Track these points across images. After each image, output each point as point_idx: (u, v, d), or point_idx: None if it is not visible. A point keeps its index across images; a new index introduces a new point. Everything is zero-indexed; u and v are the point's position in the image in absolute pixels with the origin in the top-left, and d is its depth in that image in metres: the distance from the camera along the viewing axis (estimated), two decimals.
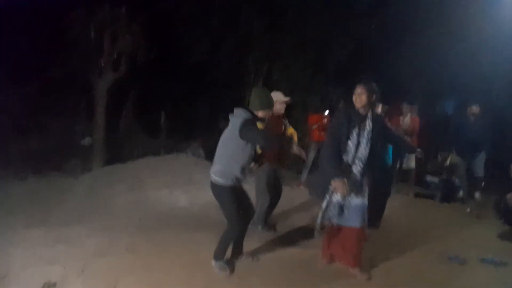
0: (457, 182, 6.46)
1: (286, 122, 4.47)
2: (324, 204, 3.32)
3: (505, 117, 7.18)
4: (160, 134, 8.38)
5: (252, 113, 3.29)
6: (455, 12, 7.67)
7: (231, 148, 3.26)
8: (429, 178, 6.70)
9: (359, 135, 3.26)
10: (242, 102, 9.12)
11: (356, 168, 3.30)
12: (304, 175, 6.99)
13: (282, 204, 5.71)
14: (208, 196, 5.77)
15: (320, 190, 3.37)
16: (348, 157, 3.29)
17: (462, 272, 3.71)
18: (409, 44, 9.01)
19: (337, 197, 3.27)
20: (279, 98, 4.22)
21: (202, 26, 8.97)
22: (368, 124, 3.29)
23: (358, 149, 3.27)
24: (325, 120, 7.16)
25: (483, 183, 6.60)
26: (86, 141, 8.05)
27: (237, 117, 3.26)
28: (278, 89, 4.34)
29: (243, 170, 3.31)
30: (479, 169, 6.54)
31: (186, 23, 8.96)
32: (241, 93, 9.29)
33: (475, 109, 6.50)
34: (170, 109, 8.61)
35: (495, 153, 6.81)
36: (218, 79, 9.73)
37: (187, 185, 6.07)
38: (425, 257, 4.01)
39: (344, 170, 3.24)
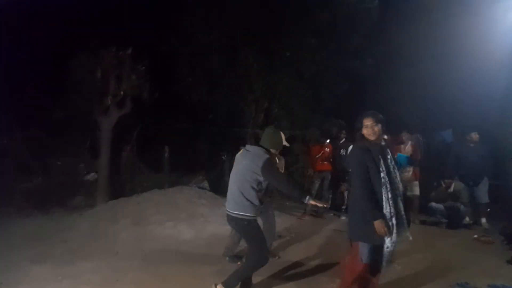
0: (462, 208, 6.45)
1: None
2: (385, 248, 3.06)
3: (503, 144, 7.24)
4: (163, 169, 8.45)
5: (268, 151, 3.48)
6: (446, 45, 7.98)
7: (248, 181, 3.38)
8: (434, 205, 6.68)
9: (387, 166, 3.11)
10: (242, 139, 9.38)
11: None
12: (309, 207, 6.98)
13: (287, 234, 5.72)
14: (213, 228, 5.82)
15: (361, 233, 3.09)
16: (386, 191, 3.04)
17: None
18: (404, 77, 9.32)
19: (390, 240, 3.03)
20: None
21: (202, 67, 9.33)
22: (388, 153, 3.19)
23: (392, 180, 3.09)
24: (327, 150, 7.26)
25: (488, 209, 6.59)
26: (91, 176, 8.11)
27: (257, 155, 3.41)
28: (278, 125, 4.55)
29: (260, 201, 3.43)
30: (483, 195, 6.55)
31: (187, 64, 9.33)
32: (241, 130, 9.51)
33: (474, 136, 6.63)
34: (173, 145, 8.75)
35: (498, 179, 6.84)
36: (219, 117, 9.98)
37: (191, 218, 6.07)
38: (436, 285, 3.97)
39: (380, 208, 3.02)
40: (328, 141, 7.34)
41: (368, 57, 9.01)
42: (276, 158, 4.49)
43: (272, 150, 3.57)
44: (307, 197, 3.31)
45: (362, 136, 3.20)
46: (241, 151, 3.58)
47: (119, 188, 7.73)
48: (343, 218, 6.95)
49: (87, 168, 8.29)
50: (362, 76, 9.14)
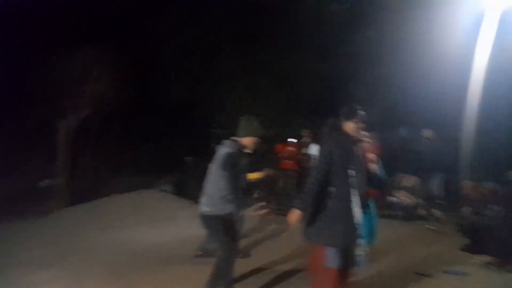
0: (417, 201, 6.79)
1: None
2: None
3: (457, 140, 7.68)
4: (125, 172, 8.26)
5: (238, 143, 3.36)
6: (405, 45, 8.34)
7: (214, 178, 3.33)
8: (391, 199, 6.97)
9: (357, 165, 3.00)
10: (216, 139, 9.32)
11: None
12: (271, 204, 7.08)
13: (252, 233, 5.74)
14: (179, 231, 5.75)
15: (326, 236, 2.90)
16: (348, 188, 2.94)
17: (430, 284, 3.87)
18: (366, 78, 9.69)
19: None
20: None
21: (182, 67, 9.24)
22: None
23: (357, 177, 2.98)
24: (292, 149, 7.40)
25: (441, 201, 6.98)
26: (45, 183, 7.76)
27: (222, 149, 3.36)
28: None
29: (229, 199, 3.27)
30: (437, 188, 6.95)
31: (167, 64, 9.20)
32: (220, 132, 9.47)
33: (428, 133, 7.02)
34: (141, 147, 8.58)
35: (451, 173, 7.25)
36: (196, 118, 9.88)
37: (156, 221, 5.98)
38: (395, 274, 4.16)
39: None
40: (294, 140, 7.47)
41: (333, 58, 9.27)
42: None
43: (246, 140, 3.37)
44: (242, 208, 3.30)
45: (341, 131, 3.07)
46: None
47: (80, 193, 7.46)
48: None
49: (45, 173, 7.93)
50: (328, 77, 9.40)
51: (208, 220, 3.36)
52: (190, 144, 9.73)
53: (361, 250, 3.08)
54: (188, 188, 8.01)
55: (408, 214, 6.62)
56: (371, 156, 3.73)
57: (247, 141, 3.39)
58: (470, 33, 6.89)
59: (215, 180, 3.32)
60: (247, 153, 3.43)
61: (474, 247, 4.94)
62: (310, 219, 2.96)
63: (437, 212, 6.86)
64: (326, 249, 2.87)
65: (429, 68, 8.08)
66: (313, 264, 3.07)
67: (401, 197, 6.65)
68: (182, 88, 9.35)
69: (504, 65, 7.03)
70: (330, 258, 2.85)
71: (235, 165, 3.26)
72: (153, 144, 10.12)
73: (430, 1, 7.39)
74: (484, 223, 5.02)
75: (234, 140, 3.38)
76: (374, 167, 3.70)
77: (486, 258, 4.43)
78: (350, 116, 3.09)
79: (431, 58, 7.75)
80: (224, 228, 3.34)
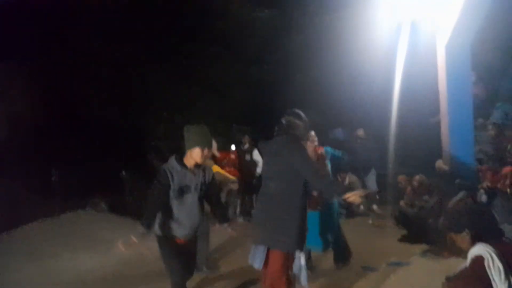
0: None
1: None
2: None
3: (385, 137, 8.17)
4: (53, 193, 7.55)
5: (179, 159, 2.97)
6: (333, 49, 8.74)
7: None
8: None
9: None
10: (142, 153, 8.92)
11: None
12: None
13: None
14: (119, 253, 5.32)
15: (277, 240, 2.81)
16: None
17: (376, 277, 4.01)
18: (297, 82, 9.98)
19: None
20: None
21: (95, 79, 8.70)
22: None
23: None
24: (233, 156, 7.32)
25: (377, 196, 7.38)
26: None
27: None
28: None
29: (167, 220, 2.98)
30: (372, 184, 7.33)
31: (78, 77, 8.61)
32: (141, 144, 9.07)
33: (360, 132, 7.39)
34: (63, 166, 7.88)
35: (383, 169, 7.69)
36: (115, 131, 9.35)
37: (93, 245, 5.50)
38: (345, 271, 4.25)
39: None
40: (233, 147, 7.42)
41: (264, 64, 9.41)
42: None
43: (194, 150, 2.93)
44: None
45: (294, 135, 3.00)
46: None
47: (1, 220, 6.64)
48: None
49: None
50: (261, 82, 9.51)
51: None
52: (124, 159, 9.22)
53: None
54: (126, 206, 7.58)
55: (351, 211, 6.88)
56: (320, 154, 3.81)
57: (196, 153, 2.92)
58: (392, 39, 7.39)
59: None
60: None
61: (411, 238, 5.27)
62: (261, 224, 2.90)
63: (376, 208, 7.23)
64: (277, 253, 2.81)
65: (357, 71, 8.55)
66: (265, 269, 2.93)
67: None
68: (109, 102, 8.87)
69: (419, 68, 7.65)
70: (280, 261, 2.80)
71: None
72: (84, 162, 9.41)
73: (355, 8, 7.80)
74: (418, 214, 5.35)
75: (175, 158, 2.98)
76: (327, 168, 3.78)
77: (423, 247, 4.72)
78: (298, 118, 3.07)
79: (358, 62, 8.20)
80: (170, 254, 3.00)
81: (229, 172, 7.24)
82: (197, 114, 9.19)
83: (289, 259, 2.86)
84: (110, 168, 9.09)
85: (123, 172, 8.28)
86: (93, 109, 8.83)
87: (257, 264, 2.87)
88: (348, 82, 9.15)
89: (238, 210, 7.43)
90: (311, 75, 9.78)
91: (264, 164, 3.13)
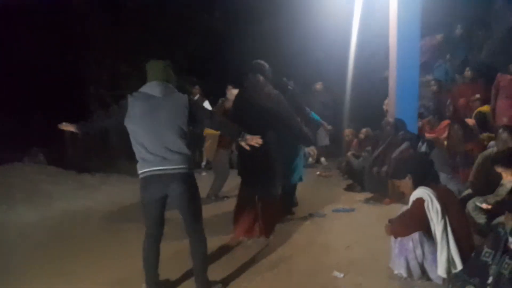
0: (306, 151, 7.29)
1: None
2: None
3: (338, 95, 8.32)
4: None
5: None
6: (293, 5, 8.51)
7: None
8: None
9: None
10: (85, 102, 8.29)
11: None
12: None
13: None
14: (61, 205, 5.08)
15: None
16: None
17: (323, 222, 4.22)
18: (252, 33, 9.67)
19: None
20: None
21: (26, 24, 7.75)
22: None
23: None
24: None
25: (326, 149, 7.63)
26: None
27: None
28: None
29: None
30: (323, 139, 7.51)
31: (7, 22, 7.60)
32: (83, 93, 8.43)
33: (318, 86, 7.42)
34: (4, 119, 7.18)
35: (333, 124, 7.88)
36: (53, 79, 8.57)
37: (32, 198, 5.19)
38: (292, 218, 4.40)
39: None
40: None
41: (217, 11, 8.94)
42: None
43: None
44: None
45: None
46: None
47: None
48: (203, 174, 7.04)
49: None
50: (213, 31, 9.08)
51: None
52: (65, 109, 8.57)
53: None
54: (66, 158, 7.18)
55: None
56: None
57: None
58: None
59: None
60: None
61: (356, 187, 5.57)
62: None
63: (323, 160, 7.50)
64: None
65: (314, 25, 8.44)
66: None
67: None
68: (48, 49, 8.03)
69: (373, 23, 7.73)
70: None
71: None
72: (21, 114, 8.64)
73: None
74: (361, 165, 5.60)
75: None
76: None
77: (366, 195, 5.01)
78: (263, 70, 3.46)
79: (317, 16, 8.06)
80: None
81: None
82: (143, 63, 8.63)
83: None
84: (49, 119, 8.43)
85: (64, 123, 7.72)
86: (30, 56, 7.96)
87: None
88: (304, 36, 9.05)
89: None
90: (264, 26, 9.51)
91: None
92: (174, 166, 2.46)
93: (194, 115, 2.57)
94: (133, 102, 2.50)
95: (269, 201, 3.59)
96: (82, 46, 8.37)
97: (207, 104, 6.99)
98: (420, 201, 2.55)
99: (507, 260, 2.00)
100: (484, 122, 5.18)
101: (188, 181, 2.52)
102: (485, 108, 5.36)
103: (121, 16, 8.49)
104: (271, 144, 3.37)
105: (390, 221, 2.78)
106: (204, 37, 9.15)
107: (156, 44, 8.69)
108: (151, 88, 2.56)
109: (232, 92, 7.18)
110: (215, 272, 2.93)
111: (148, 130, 2.45)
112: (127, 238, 3.90)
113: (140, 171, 2.50)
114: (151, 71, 2.66)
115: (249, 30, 9.79)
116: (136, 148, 2.51)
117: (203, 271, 2.63)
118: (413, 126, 5.21)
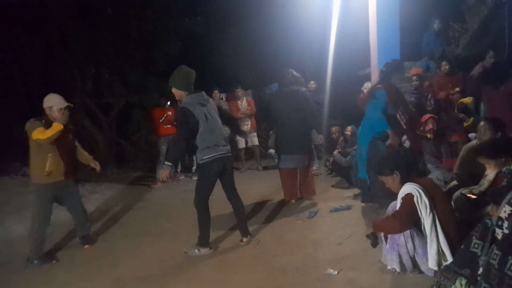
0: None
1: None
2: None
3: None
4: None
5: None
6: (268, 4, 8.55)
7: None
8: (272, 152, 7.37)
9: None
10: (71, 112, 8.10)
11: None
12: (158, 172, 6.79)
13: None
14: (52, 216, 5.01)
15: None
16: None
17: (315, 221, 4.29)
18: (233, 36, 9.70)
19: None
20: (56, 103, 3.82)
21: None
22: None
23: None
24: (170, 113, 7.06)
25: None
26: None
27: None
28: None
29: None
30: (315, 136, 7.57)
31: None
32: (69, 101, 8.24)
33: (312, 84, 7.42)
34: None
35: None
36: (34, 89, 8.38)
37: (21, 211, 5.10)
38: (289, 216, 4.49)
39: None
40: (168, 103, 7.12)
41: (197, 15, 8.90)
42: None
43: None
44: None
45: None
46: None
47: None
48: (194, 178, 7.02)
49: None
50: (193, 35, 9.02)
51: None
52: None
53: None
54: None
55: None
56: None
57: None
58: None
59: None
60: None
61: (343, 183, 5.65)
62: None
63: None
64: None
65: (293, 27, 8.51)
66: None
67: None
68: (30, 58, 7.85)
69: (353, 22, 7.84)
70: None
71: None
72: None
73: None
74: (348, 162, 5.67)
75: None
76: None
77: (355, 191, 5.09)
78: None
79: (295, 17, 8.13)
80: None
81: (166, 130, 7.02)
82: (126, 69, 8.53)
83: None
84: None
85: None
86: (8, 67, 7.77)
87: None
88: (284, 38, 9.11)
89: (180, 166, 7.44)
90: (244, 30, 9.54)
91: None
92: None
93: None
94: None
95: (307, 170, 4.97)
96: (62, 54, 8.21)
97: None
98: (410, 196, 2.62)
99: (495, 250, 2.07)
100: (466, 112, 5.34)
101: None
102: (467, 99, 5.50)
103: (99, 22, 8.34)
104: (305, 129, 4.89)
105: (374, 222, 2.85)
106: (184, 41, 9.07)
107: (136, 48, 8.59)
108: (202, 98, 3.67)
109: (217, 95, 7.23)
110: (211, 272, 2.98)
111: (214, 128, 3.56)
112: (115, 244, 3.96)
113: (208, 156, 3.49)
114: (192, 80, 3.70)
115: (230, 34, 9.82)
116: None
117: (246, 220, 3.86)
118: (397, 121, 5.30)
